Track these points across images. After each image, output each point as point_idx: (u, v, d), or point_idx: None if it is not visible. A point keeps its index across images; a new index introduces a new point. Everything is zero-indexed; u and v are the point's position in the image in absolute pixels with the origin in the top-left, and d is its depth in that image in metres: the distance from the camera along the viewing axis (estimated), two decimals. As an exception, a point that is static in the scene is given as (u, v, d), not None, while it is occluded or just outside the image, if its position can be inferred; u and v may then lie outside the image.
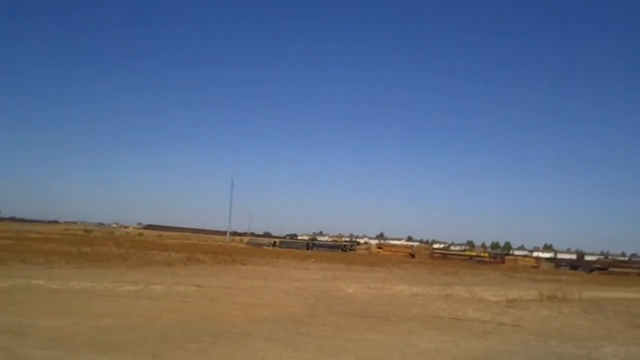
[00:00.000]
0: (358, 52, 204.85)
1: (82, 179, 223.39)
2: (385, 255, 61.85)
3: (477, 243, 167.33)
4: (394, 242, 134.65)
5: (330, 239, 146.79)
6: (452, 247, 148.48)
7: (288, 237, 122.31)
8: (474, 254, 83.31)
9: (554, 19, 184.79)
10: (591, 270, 60.86)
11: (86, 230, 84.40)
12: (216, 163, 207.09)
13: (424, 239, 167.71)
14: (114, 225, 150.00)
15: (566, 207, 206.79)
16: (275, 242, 75.82)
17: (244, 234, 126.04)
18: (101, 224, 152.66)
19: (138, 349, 7.47)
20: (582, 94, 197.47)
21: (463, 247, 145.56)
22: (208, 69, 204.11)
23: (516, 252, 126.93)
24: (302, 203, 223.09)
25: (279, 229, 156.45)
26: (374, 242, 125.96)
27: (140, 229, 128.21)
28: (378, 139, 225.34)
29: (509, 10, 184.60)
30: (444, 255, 73.35)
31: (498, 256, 77.82)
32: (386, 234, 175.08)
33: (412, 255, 65.07)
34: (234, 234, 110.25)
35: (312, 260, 36.02)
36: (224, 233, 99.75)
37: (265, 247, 62.30)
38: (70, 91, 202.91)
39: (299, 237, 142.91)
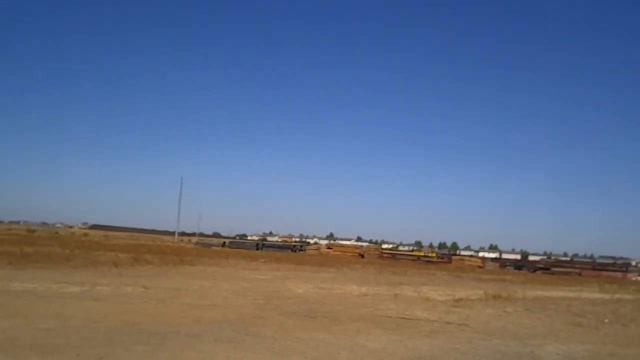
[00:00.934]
0: (301, 53, 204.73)
1: (25, 177, 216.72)
2: (335, 256, 62.10)
3: (425, 243, 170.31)
4: (344, 242, 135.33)
5: (280, 240, 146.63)
6: (401, 247, 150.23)
7: (238, 238, 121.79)
8: (422, 254, 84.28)
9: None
10: (535, 270, 62.49)
11: (29, 230, 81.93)
12: (165, 163, 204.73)
13: (373, 239, 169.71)
14: (59, 225, 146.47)
15: (511, 208, 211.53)
16: (224, 242, 75.17)
17: (193, 235, 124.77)
18: (45, 223, 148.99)
19: (83, 351, 7.30)
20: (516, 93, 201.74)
21: (411, 248, 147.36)
22: (153, 71, 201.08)
23: (463, 253, 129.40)
24: (251, 203, 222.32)
25: (229, 230, 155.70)
26: (324, 242, 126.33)
27: (85, 229, 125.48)
28: (323, 138, 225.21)
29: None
30: (393, 255, 74.16)
31: (445, 256, 79.04)
32: (336, 234, 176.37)
33: (362, 256, 65.54)
34: (183, 234, 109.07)
35: (262, 260, 35.87)
36: (172, 233, 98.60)
37: (214, 248, 61.66)
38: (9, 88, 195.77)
39: (249, 238, 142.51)
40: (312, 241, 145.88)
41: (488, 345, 9.56)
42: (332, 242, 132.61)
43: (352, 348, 8.54)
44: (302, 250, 73.57)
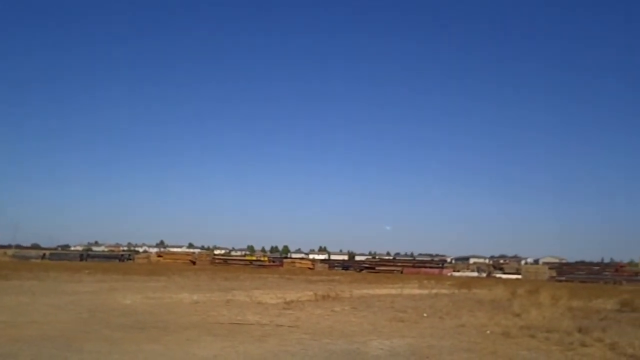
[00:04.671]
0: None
1: None
2: (165, 264, 61.00)
3: (258, 247, 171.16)
4: (175, 249, 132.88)
5: (107, 249, 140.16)
6: (234, 253, 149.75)
7: (59, 249, 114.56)
8: (254, 258, 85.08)
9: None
10: (361, 270, 65.66)
11: None
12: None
13: (206, 245, 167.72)
14: None
15: (340, 211, 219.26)
16: (44, 254, 70.62)
17: (8, 247, 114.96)
18: None
19: None
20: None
21: (244, 252, 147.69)
22: None
23: (294, 255, 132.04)
24: (74, 211, 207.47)
25: (49, 240, 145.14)
26: (154, 250, 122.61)
27: None
28: (151, 141, 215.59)
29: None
30: (225, 261, 74.06)
31: (277, 260, 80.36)
32: (167, 242, 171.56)
33: (193, 262, 64.91)
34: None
35: (87, 272, 34.06)
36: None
37: (33, 260, 57.79)
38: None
39: (72, 248, 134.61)
40: (141, 250, 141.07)
41: (317, 345, 9.85)
42: (162, 249, 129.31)
43: (182, 357, 8.39)
44: (130, 259, 71.98)
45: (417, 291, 26.72)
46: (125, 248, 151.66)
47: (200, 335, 10.47)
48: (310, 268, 65.37)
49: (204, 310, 14.77)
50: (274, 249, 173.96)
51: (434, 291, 26.74)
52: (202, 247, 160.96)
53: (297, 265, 68.10)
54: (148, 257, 74.39)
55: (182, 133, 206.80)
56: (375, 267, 68.66)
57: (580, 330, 12.21)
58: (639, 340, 10.03)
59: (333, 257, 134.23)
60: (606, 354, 9.73)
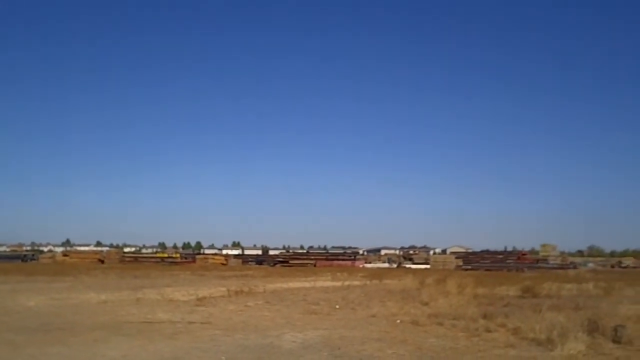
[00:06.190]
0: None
1: None
2: (72, 263, 59.10)
3: (169, 244, 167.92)
4: (82, 248, 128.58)
5: (8, 249, 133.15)
6: (144, 250, 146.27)
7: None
8: (165, 255, 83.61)
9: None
10: (274, 264, 65.79)
11: None
12: None
13: (114, 243, 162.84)
14: None
15: (252, 205, 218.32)
16: None
17: None
18: None
19: None
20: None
21: (155, 249, 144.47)
22: None
23: (207, 251, 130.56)
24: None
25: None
26: (60, 249, 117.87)
27: None
28: (54, 136, 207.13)
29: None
30: (136, 258, 72.52)
31: (189, 256, 79.33)
32: (73, 240, 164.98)
33: (102, 261, 63.25)
34: None
35: (-15, 273, 32.34)
36: None
37: None
38: None
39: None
40: (46, 249, 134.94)
41: (230, 340, 9.82)
42: (68, 248, 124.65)
43: (90, 359, 8.16)
44: (34, 259, 69.53)
45: (329, 283, 27.07)
46: (29, 247, 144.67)
47: (108, 335, 10.19)
48: (223, 264, 64.81)
49: (113, 309, 14.39)
50: (186, 245, 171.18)
51: (346, 283, 27.17)
52: (111, 245, 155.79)
53: (210, 261, 67.35)
54: (53, 257, 71.95)
55: (88, 127, 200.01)
56: (288, 260, 68.94)
57: (485, 317, 12.77)
58: (540, 324, 10.57)
59: (247, 252, 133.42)
60: (509, 339, 10.23)
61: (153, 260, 70.80)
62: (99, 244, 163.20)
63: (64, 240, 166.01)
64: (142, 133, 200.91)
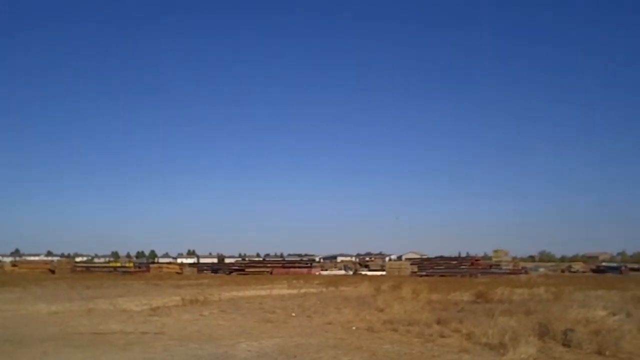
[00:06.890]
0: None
1: None
2: (21, 273, 57.50)
3: (123, 253, 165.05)
4: (32, 258, 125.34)
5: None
6: (97, 260, 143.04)
7: None
8: (118, 264, 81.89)
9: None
10: (230, 272, 65.18)
11: None
12: None
13: (66, 253, 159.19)
14: None
15: (208, 213, 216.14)
16: None
17: None
18: None
19: None
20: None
21: (108, 259, 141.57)
22: None
23: (161, 260, 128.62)
24: None
25: None
26: (8, 259, 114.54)
27: None
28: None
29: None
30: (87, 268, 70.93)
31: (143, 265, 77.97)
32: (22, 250, 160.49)
33: (52, 271, 61.73)
34: None
35: None
36: None
37: None
38: None
39: None
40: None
41: (184, 350, 9.69)
42: (18, 258, 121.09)
43: (38, 372, 7.95)
44: (-20, 270, 66.66)
45: (286, 291, 26.99)
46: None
47: (58, 347, 9.94)
48: (178, 272, 63.91)
49: (63, 320, 14.05)
50: (140, 254, 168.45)
51: (303, 290, 27.15)
52: (63, 255, 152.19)
53: (165, 270, 66.40)
54: (1, 267, 70.15)
55: (36, 133, 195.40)
56: (245, 269, 68.41)
57: (439, 322, 12.93)
58: (492, 329, 10.74)
59: (202, 260, 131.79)
60: (463, 344, 10.37)
61: (106, 269, 69.39)
62: (49, 253, 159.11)
63: (12, 250, 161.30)
64: (94, 141, 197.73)
